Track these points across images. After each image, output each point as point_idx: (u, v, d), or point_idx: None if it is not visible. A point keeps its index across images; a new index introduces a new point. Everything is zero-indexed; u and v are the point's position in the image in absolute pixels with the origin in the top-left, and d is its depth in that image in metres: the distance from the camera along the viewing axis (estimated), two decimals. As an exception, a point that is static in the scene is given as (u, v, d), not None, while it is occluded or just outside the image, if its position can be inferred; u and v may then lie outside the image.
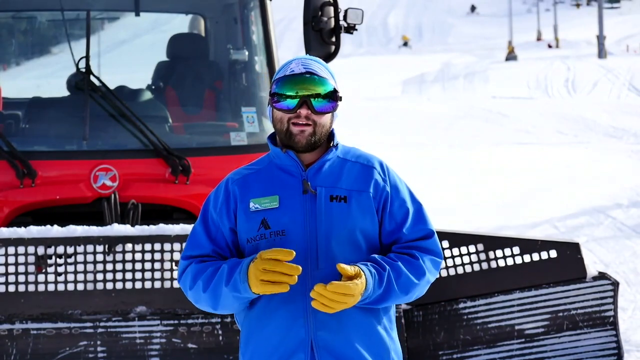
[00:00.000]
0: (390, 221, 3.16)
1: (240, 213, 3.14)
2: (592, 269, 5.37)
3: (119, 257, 5.09)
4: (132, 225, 5.41)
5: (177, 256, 5.12)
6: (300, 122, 3.11)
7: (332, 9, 6.02)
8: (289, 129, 3.12)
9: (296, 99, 3.09)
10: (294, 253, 2.94)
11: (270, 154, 3.21)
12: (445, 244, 5.26)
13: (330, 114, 3.14)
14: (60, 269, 5.06)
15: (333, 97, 3.13)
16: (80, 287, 5.07)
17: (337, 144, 3.20)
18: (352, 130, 19.80)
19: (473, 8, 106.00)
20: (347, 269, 2.96)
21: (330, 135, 3.20)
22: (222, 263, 3.10)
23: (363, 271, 3.00)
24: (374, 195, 3.15)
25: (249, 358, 3.14)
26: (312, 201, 3.11)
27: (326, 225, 3.09)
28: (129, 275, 5.10)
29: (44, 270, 5.05)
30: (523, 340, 5.32)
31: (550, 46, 72.50)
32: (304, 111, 3.10)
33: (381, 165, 3.21)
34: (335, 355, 3.07)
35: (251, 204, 3.13)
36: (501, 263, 5.32)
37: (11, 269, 5.03)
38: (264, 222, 3.10)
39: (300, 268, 2.95)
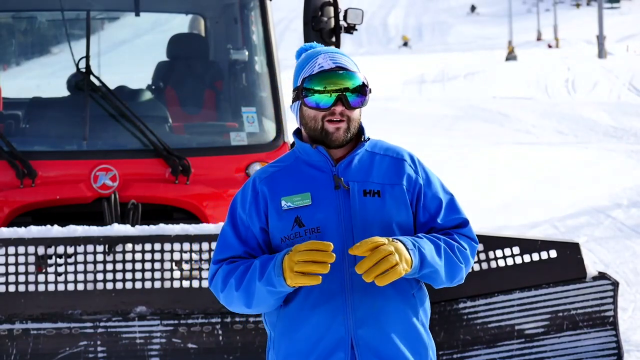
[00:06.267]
0: (424, 213, 3.13)
1: (272, 212, 3.08)
2: (592, 269, 5.37)
3: (119, 257, 5.08)
4: (132, 225, 5.40)
5: (177, 256, 5.12)
6: (335, 119, 3.06)
7: (332, 9, 6.01)
8: (324, 127, 3.07)
9: (329, 95, 3.04)
10: (332, 245, 2.89)
11: (296, 149, 3.16)
12: (445, 244, 5.26)
13: (360, 108, 3.11)
14: (60, 269, 5.06)
15: (362, 90, 3.09)
16: (80, 287, 5.07)
17: (368, 138, 3.16)
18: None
19: (473, 8, 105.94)
20: (376, 238, 2.91)
21: (360, 128, 3.16)
22: (253, 260, 3.05)
23: (396, 240, 2.94)
24: (407, 187, 3.11)
25: (284, 357, 3.09)
26: (345, 197, 3.06)
27: (361, 220, 3.04)
28: (129, 275, 5.09)
29: (44, 270, 5.05)
30: (523, 340, 5.32)
31: (550, 46, 72.49)
32: (338, 108, 3.05)
33: (411, 157, 3.18)
34: (376, 353, 3.03)
35: (283, 202, 3.07)
36: (501, 263, 5.31)
37: (11, 269, 5.03)
38: (298, 220, 3.05)
39: (335, 256, 2.89)
